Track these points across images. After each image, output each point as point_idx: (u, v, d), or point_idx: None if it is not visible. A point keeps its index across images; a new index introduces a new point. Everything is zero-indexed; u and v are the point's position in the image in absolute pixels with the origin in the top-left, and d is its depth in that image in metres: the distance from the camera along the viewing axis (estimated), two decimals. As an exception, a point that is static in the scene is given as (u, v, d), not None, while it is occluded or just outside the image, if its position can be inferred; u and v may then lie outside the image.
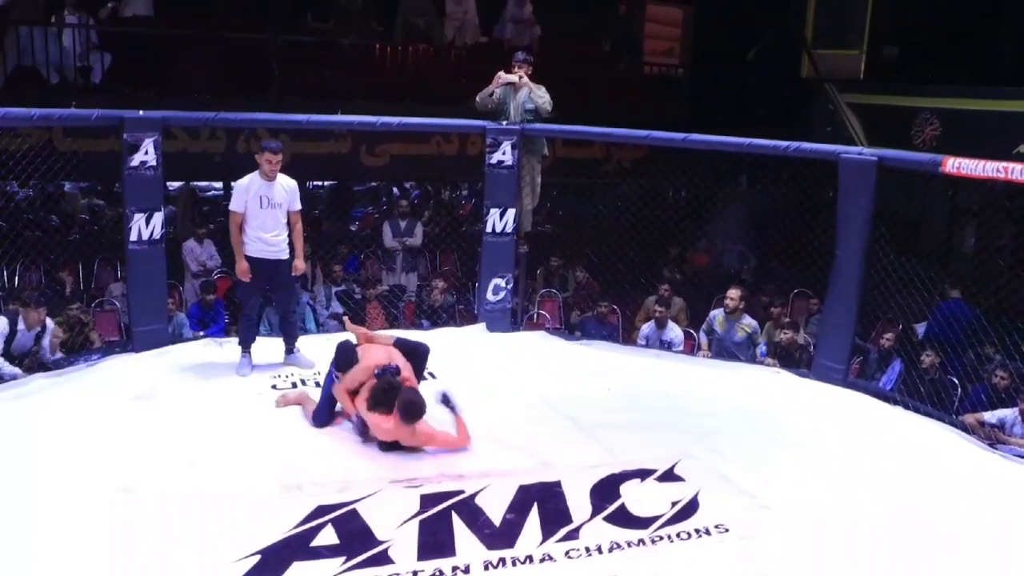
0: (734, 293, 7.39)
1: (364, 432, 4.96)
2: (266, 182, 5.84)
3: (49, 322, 6.38)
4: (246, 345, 6.13)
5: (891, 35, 11.73)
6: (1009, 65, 10.69)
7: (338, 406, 5.19)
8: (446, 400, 5.30)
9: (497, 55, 11.22)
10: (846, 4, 11.89)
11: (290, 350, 6.26)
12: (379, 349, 5.17)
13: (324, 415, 5.19)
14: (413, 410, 4.75)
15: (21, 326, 6.13)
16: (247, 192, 5.83)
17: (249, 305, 6.15)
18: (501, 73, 7.08)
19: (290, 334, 6.28)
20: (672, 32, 13.80)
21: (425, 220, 10.82)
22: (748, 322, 7.42)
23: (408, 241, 9.60)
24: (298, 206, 6.01)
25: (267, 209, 5.87)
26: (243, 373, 6.03)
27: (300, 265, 6.16)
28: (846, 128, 11.21)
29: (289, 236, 6.01)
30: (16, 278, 8.85)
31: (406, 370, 5.06)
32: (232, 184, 6.04)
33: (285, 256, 6.02)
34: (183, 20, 10.40)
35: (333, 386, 5.13)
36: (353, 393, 4.98)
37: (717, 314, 7.45)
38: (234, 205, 5.90)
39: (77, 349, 6.74)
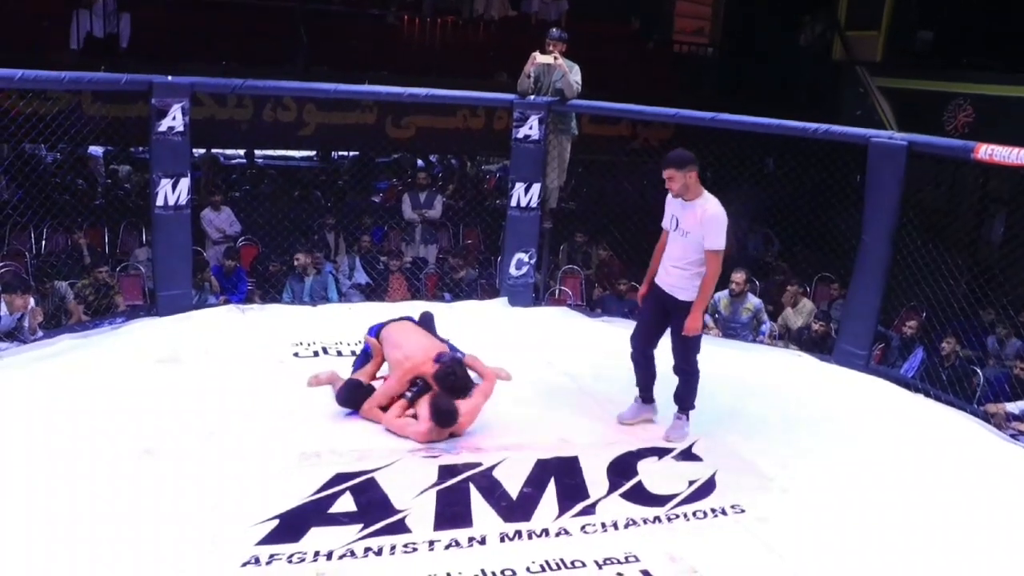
0: (739, 277, 7.42)
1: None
2: (680, 201, 4.71)
3: (31, 302, 6.25)
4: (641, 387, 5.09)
5: (926, 19, 11.54)
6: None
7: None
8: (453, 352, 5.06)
9: (525, 29, 11.21)
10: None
11: (679, 416, 4.96)
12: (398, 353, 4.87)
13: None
14: (456, 386, 4.65)
15: (4, 311, 6.08)
16: (670, 205, 4.78)
17: (632, 339, 5.01)
18: (536, 54, 6.79)
19: (681, 398, 4.95)
20: (704, 11, 13.67)
21: (448, 193, 10.81)
22: (752, 302, 7.49)
23: (428, 213, 9.60)
24: (715, 244, 4.55)
25: (675, 233, 4.72)
26: (623, 419, 5.07)
27: (690, 325, 4.64)
28: (877, 112, 11.07)
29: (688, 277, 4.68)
30: (44, 241, 8.96)
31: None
32: None
33: (679, 297, 4.70)
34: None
35: (363, 408, 4.85)
36: (384, 409, 4.78)
37: (721, 296, 7.46)
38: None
39: (102, 312, 6.82)
